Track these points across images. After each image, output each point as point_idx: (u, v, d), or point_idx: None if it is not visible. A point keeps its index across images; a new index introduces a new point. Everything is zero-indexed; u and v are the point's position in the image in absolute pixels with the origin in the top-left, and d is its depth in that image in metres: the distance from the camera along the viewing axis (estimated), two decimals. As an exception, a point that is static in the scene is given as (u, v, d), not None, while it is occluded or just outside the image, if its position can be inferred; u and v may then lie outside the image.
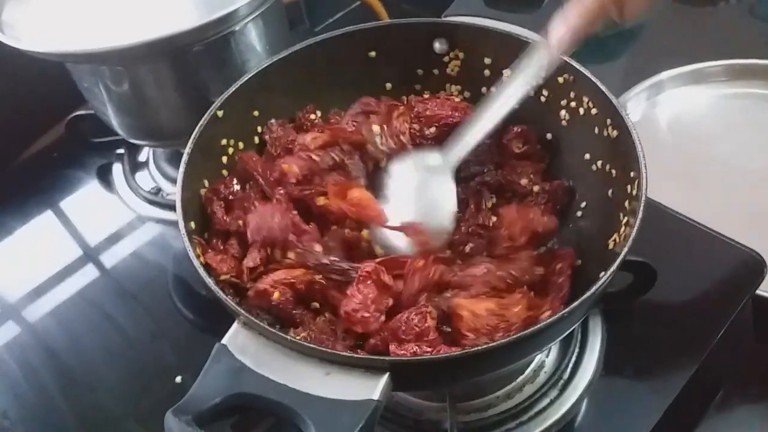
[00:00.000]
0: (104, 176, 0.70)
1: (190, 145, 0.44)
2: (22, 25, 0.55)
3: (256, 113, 0.49)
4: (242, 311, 0.36)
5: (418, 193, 0.46)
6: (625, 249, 0.37)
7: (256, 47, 0.56)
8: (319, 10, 0.82)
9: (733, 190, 0.64)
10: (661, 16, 0.88)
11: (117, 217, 0.66)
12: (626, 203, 0.42)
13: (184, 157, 0.43)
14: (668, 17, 0.87)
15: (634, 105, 0.72)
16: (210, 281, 0.38)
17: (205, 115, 0.45)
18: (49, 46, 0.52)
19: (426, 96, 0.52)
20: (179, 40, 0.50)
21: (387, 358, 0.37)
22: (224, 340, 0.36)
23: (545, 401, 0.47)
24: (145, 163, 0.70)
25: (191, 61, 0.54)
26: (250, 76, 0.48)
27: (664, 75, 0.73)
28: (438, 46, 0.51)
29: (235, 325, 0.37)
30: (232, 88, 0.47)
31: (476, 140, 0.46)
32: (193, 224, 0.42)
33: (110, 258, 0.63)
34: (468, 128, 0.46)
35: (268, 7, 0.54)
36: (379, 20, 0.68)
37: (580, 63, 0.46)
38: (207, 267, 0.41)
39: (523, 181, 0.48)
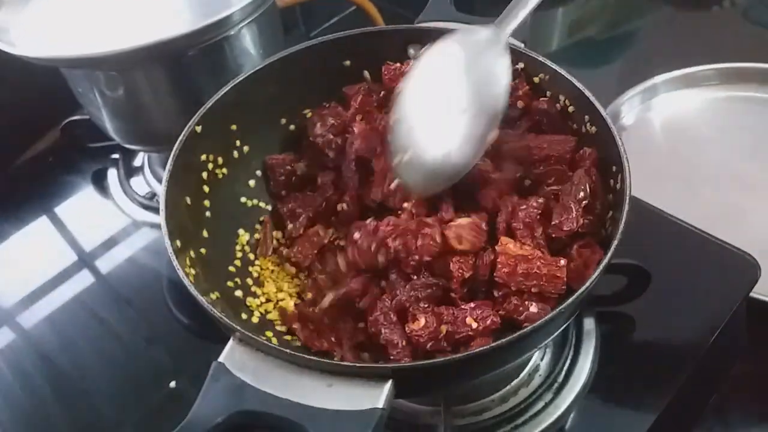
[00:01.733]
0: (99, 181, 0.70)
1: (170, 162, 0.43)
2: (16, 30, 0.55)
3: (233, 127, 0.49)
4: (238, 327, 0.36)
5: (468, 76, 0.42)
6: (614, 243, 0.37)
7: (250, 52, 0.56)
8: (314, 14, 0.82)
9: (726, 192, 0.64)
10: (655, 20, 0.89)
11: (112, 222, 0.66)
12: (610, 197, 0.42)
13: (166, 175, 0.43)
14: (662, 21, 0.88)
15: (628, 109, 0.73)
16: (202, 299, 0.38)
17: (184, 131, 0.45)
18: (44, 51, 0.52)
19: None
20: (174, 45, 0.50)
21: (389, 365, 0.37)
22: (221, 358, 0.35)
23: (540, 404, 0.47)
24: (140, 168, 0.70)
25: (186, 65, 0.54)
26: (225, 91, 0.47)
27: (658, 79, 0.74)
28: (412, 52, 0.51)
29: (231, 342, 0.36)
30: (209, 103, 0.47)
31: (529, 9, 0.43)
32: (179, 243, 0.41)
33: (105, 263, 0.63)
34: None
35: (262, 12, 0.54)
36: (374, 25, 0.68)
37: (574, 67, 0.47)
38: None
39: None
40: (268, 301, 0.46)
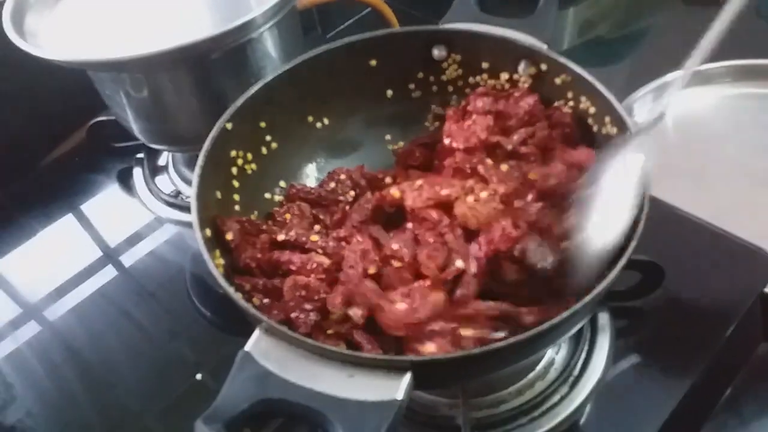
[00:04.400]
0: (125, 180, 0.71)
1: (201, 158, 0.45)
2: (44, 33, 0.56)
3: (263, 124, 0.51)
4: (264, 318, 0.37)
5: None
6: (632, 245, 0.37)
7: (272, 54, 0.57)
8: (331, 16, 0.83)
9: (740, 188, 0.65)
10: (665, 18, 0.89)
11: (137, 219, 0.67)
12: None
13: (197, 170, 0.44)
14: (673, 19, 0.88)
15: (641, 107, 0.73)
16: (230, 290, 0.39)
17: (215, 128, 0.46)
18: (72, 54, 0.53)
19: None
20: (198, 49, 0.51)
21: (409, 357, 0.38)
22: (247, 347, 0.36)
23: (556, 397, 0.48)
24: (165, 167, 0.71)
25: (209, 68, 0.55)
26: (256, 89, 0.49)
27: (670, 76, 0.74)
28: (437, 52, 0.52)
29: (257, 332, 0.37)
30: (240, 101, 0.48)
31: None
32: (208, 232, 0.43)
33: (129, 258, 0.65)
34: None
35: (284, 16, 0.55)
36: (389, 26, 0.69)
37: (586, 66, 0.47)
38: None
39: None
40: None
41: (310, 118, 0.54)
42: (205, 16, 0.57)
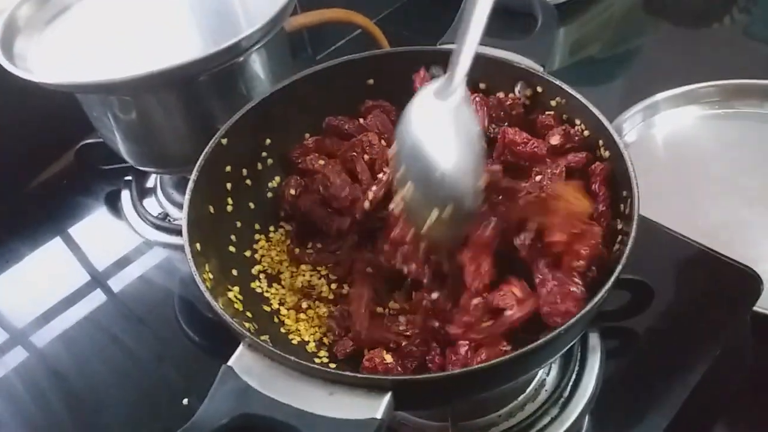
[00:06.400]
0: (112, 202, 0.71)
1: (195, 171, 0.45)
2: (33, 57, 0.57)
3: (259, 141, 0.51)
4: (248, 333, 0.37)
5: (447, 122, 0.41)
6: (619, 267, 0.37)
7: (260, 76, 0.58)
8: (321, 38, 0.84)
9: (728, 208, 0.65)
10: (655, 38, 0.90)
11: (125, 242, 0.67)
12: (619, 222, 0.43)
13: (190, 184, 0.44)
14: (662, 39, 0.90)
15: (630, 126, 0.74)
16: (216, 304, 0.39)
17: (210, 143, 0.47)
18: (60, 77, 0.54)
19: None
20: (186, 71, 0.51)
21: (389, 377, 0.37)
22: (230, 362, 0.36)
23: (546, 419, 0.47)
24: (153, 190, 0.71)
25: (197, 90, 0.55)
26: (253, 104, 0.49)
27: (659, 96, 0.75)
28: (434, 72, 0.52)
29: (240, 347, 0.37)
30: (236, 117, 0.48)
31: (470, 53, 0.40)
32: (198, 246, 0.43)
33: (118, 282, 0.64)
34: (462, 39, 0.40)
35: (272, 37, 0.55)
36: (379, 47, 0.70)
37: (577, 86, 0.48)
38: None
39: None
40: (281, 304, 0.48)
41: (307, 135, 0.54)
42: (194, 38, 0.58)
